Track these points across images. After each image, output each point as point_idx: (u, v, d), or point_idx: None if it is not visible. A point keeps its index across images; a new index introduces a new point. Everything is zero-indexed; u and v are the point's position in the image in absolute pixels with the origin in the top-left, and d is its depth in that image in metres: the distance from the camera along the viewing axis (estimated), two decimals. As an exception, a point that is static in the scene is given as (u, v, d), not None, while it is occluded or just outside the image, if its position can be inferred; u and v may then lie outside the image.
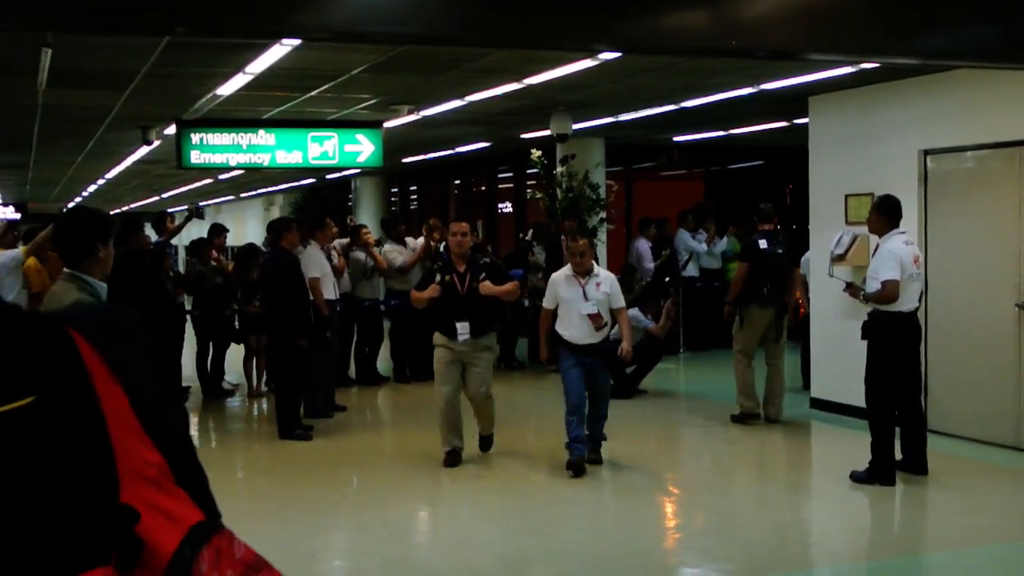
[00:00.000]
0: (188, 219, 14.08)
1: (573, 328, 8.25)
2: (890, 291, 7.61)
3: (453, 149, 17.95)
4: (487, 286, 8.43)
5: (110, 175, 22.44)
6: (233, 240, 18.75)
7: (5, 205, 28.30)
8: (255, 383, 12.59)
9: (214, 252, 13.11)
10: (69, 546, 1.14)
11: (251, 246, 13.21)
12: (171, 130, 12.26)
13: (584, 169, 14.07)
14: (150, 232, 13.74)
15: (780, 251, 10.36)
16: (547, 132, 13.18)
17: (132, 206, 37.07)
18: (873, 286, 7.70)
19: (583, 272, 8.30)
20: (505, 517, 7.53)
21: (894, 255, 7.67)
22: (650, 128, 14.80)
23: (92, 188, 27.46)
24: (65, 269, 4.81)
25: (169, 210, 19.63)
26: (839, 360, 10.24)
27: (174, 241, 14.52)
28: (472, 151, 18.12)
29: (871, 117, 10.30)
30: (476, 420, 8.88)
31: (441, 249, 11.62)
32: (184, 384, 12.41)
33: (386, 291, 13.31)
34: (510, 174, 20.12)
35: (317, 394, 10.89)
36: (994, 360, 9.07)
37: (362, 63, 9.32)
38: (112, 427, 1.19)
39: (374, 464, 9.29)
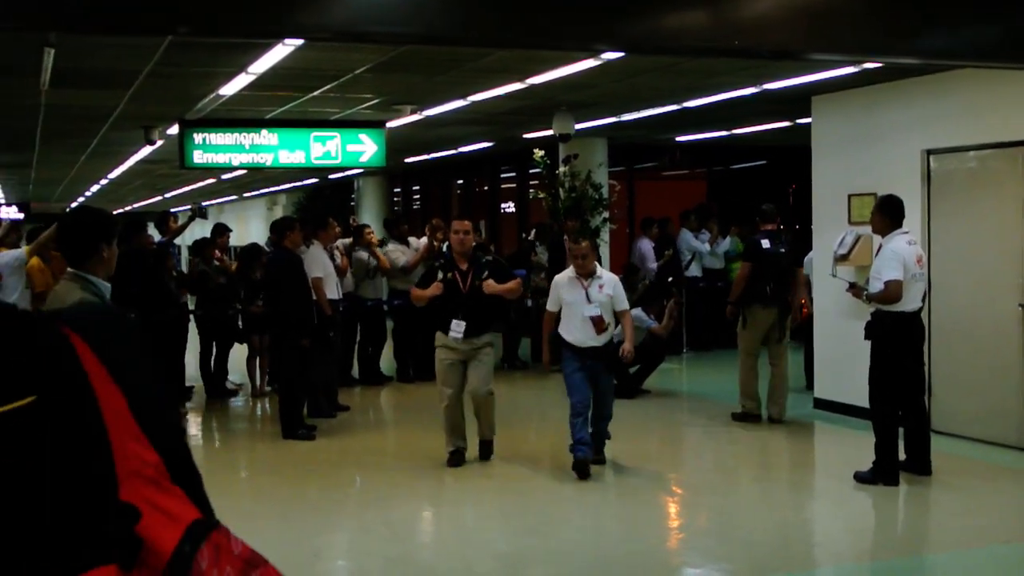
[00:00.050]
0: (191, 219, 14.08)
1: (576, 331, 8.21)
2: (893, 291, 7.60)
3: (456, 149, 17.95)
4: (490, 284, 8.41)
5: (113, 175, 22.46)
6: (236, 240, 18.74)
7: (8, 205, 28.31)
8: (258, 383, 12.60)
9: (217, 252, 13.12)
10: (70, 546, 1.14)
11: (254, 246, 13.23)
12: (174, 130, 12.28)
13: (587, 169, 14.07)
14: (153, 232, 13.76)
15: (783, 251, 10.36)
16: (550, 132, 13.18)
17: (135, 206, 37.10)
18: (876, 286, 7.70)
19: (586, 274, 8.27)
20: (507, 517, 7.53)
21: (897, 255, 7.66)
22: (652, 128, 14.79)
23: (95, 188, 27.49)
24: (69, 269, 4.82)
25: (172, 210, 19.61)
26: (842, 360, 10.24)
27: (177, 241, 14.54)
28: (475, 151, 18.12)
29: (874, 117, 10.29)
30: (477, 423, 8.79)
31: (444, 249, 11.62)
32: (188, 384, 12.43)
33: (389, 291, 13.32)
34: (513, 174, 20.11)
35: (319, 394, 10.89)
36: (997, 360, 9.07)
37: (364, 63, 9.32)
38: (110, 427, 1.20)
39: (377, 464, 9.29)
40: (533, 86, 10.62)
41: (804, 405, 11.03)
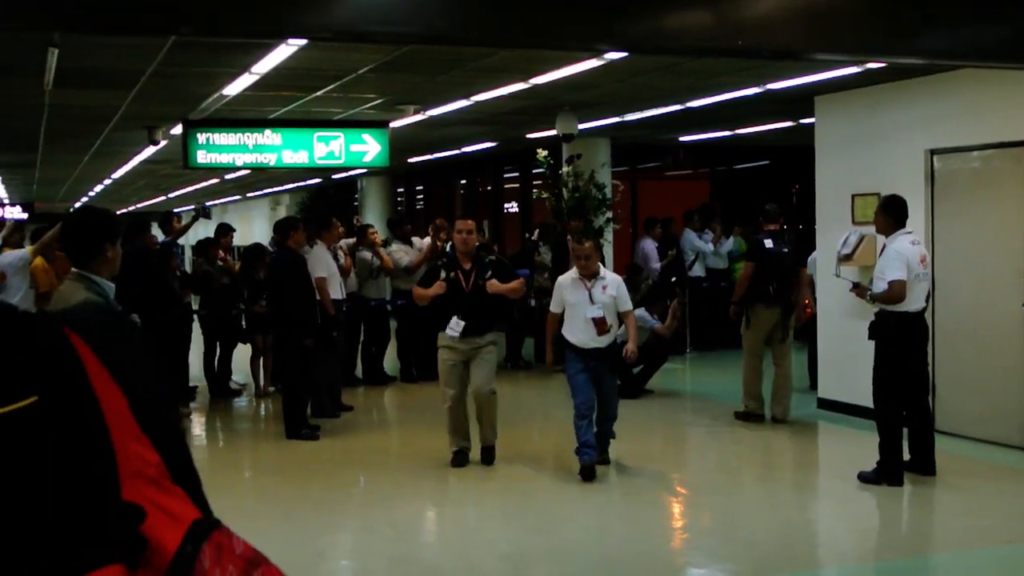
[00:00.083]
0: (195, 219, 14.09)
1: (579, 332, 8.17)
2: (896, 291, 7.59)
3: (459, 149, 17.96)
4: (494, 284, 8.39)
5: (116, 175, 22.48)
6: (239, 240, 18.78)
7: (12, 204, 28.34)
8: (262, 383, 12.61)
9: (221, 252, 13.13)
10: (74, 545, 1.14)
11: (257, 246, 13.24)
12: (177, 130, 12.29)
13: (590, 169, 14.08)
14: (157, 232, 13.77)
15: (785, 250, 10.36)
16: (553, 132, 13.18)
17: (138, 206, 37.11)
18: (880, 286, 7.69)
19: (589, 275, 8.24)
20: (511, 517, 7.53)
21: (900, 255, 7.65)
22: (656, 128, 14.80)
23: (98, 188, 27.52)
24: (73, 269, 4.82)
25: (176, 210, 19.63)
26: (846, 360, 10.23)
27: (181, 241, 14.53)
28: (478, 151, 18.13)
29: (877, 117, 10.28)
30: (479, 426, 8.71)
31: (447, 248, 11.62)
32: (191, 384, 12.44)
33: (392, 291, 13.32)
34: (516, 174, 20.12)
35: (322, 394, 10.90)
36: (1001, 360, 9.06)
37: (368, 63, 9.33)
38: (112, 427, 1.20)
39: (381, 464, 9.29)
40: (536, 86, 10.63)
41: (808, 405, 11.02)
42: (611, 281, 8.30)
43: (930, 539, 7.32)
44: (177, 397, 11.22)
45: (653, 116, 13.26)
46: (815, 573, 6.46)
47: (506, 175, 20.69)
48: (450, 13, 4.95)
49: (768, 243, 10.34)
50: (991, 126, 9.09)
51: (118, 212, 32.44)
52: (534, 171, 16.19)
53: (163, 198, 32.53)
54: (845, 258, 9.19)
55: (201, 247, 13.09)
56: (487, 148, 17.72)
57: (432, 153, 18.72)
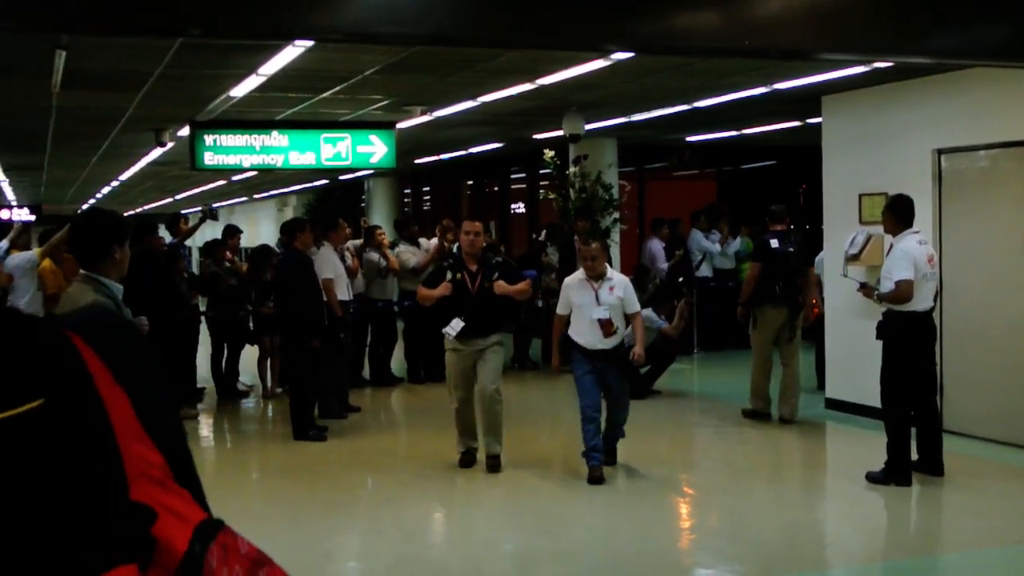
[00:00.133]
0: (202, 220, 14.11)
1: (586, 333, 8.13)
2: (903, 291, 7.58)
3: (466, 150, 17.96)
4: (501, 285, 8.37)
5: (124, 177, 22.53)
6: (247, 241, 18.80)
7: (20, 206, 28.40)
8: (269, 384, 12.62)
9: (228, 253, 13.14)
10: (84, 546, 1.15)
11: (265, 247, 13.25)
12: (185, 132, 12.30)
13: (597, 169, 14.07)
14: (164, 233, 13.79)
15: (791, 250, 10.35)
16: (560, 132, 13.18)
17: (146, 208, 37.20)
18: (887, 286, 7.68)
19: (596, 276, 8.20)
20: (518, 518, 7.53)
21: (907, 255, 7.64)
22: (663, 128, 14.79)
23: (106, 190, 27.57)
24: (81, 271, 4.84)
25: (183, 211, 19.66)
26: (854, 360, 10.22)
27: (188, 242, 14.56)
28: (485, 152, 18.13)
29: (884, 116, 10.27)
30: (483, 436, 8.53)
31: (455, 250, 11.62)
32: (199, 385, 12.45)
33: (400, 292, 13.33)
34: (523, 175, 20.13)
35: (329, 395, 10.90)
36: (1009, 360, 9.04)
37: (374, 64, 9.34)
38: (117, 429, 1.20)
39: (388, 465, 9.29)
40: (543, 86, 10.63)
41: (816, 405, 11.01)
42: (618, 282, 8.26)
43: (938, 539, 7.31)
44: (183, 398, 11.23)
45: (660, 116, 13.25)
46: (823, 573, 6.45)
47: (513, 176, 20.70)
48: (458, 14, 4.95)
49: (774, 243, 10.34)
50: (999, 126, 9.08)
51: (125, 214, 32.49)
52: (541, 172, 16.18)
53: (170, 200, 32.60)
54: (852, 258, 9.17)
55: (208, 249, 13.11)
56: (494, 149, 17.73)
57: (439, 154, 18.73)
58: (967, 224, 9.43)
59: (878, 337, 7.87)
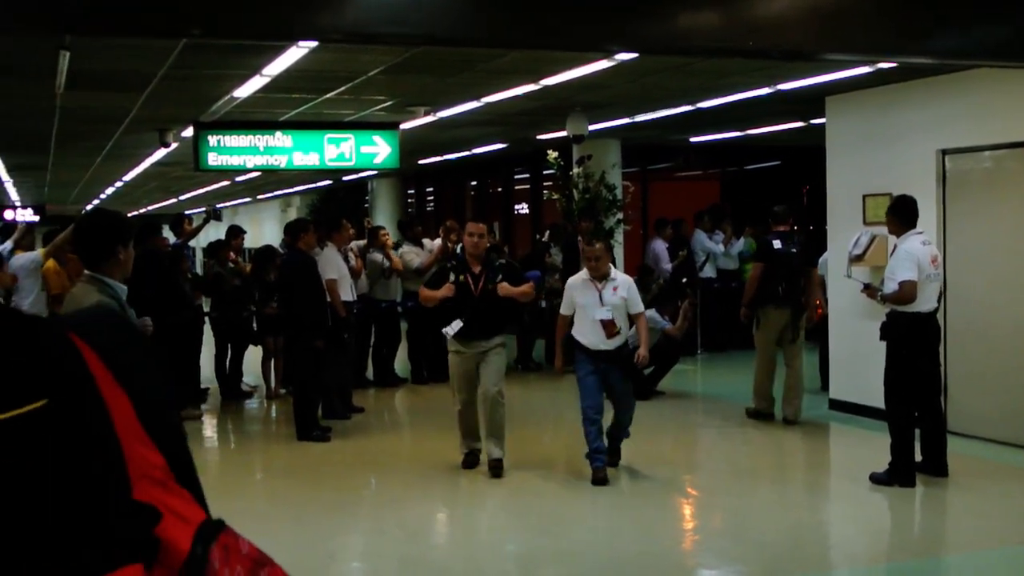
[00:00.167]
0: (206, 221, 14.12)
1: (589, 333, 8.10)
2: (907, 292, 7.57)
3: (469, 150, 17.97)
4: (505, 287, 8.35)
5: (128, 177, 22.55)
6: (250, 242, 18.80)
7: (24, 207, 28.43)
8: (273, 385, 12.63)
9: (232, 254, 13.15)
10: (88, 546, 1.15)
11: (268, 248, 13.27)
12: (188, 132, 12.32)
13: (600, 170, 14.08)
14: (168, 234, 13.81)
15: (794, 251, 10.34)
16: (563, 133, 13.18)
17: (150, 208, 37.23)
18: (890, 287, 7.67)
19: (600, 276, 8.18)
20: (521, 518, 7.53)
21: (911, 255, 7.63)
22: (666, 129, 14.78)
23: (110, 190, 27.60)
24: (85, 271, 4.84)
25: (187, 212, 19.69)
26: (857, 361, 10.21)
27: (192, 243, 14.57)
28: (488, 152, 18.14)
29: (888, 117, 10.26)
30: (485, 439, 8.46)
31: (458, 250, 11.61)
32: (203, 386, 12.46)
33: (403, 292, 13.33)
34: (526, 175, 20.12)
35: (333, 396, 10.91)
36: (1013, 360, 9.02)
37: (378, 65, 9.34)
38: (119, 429, 1.21)
39: (391, 466, 9.29)
40: (547, 87, 10.63)
41: (819, 406, 11.00)
42: (622, 282, 8.24)
43: (942, 540, 7.30)
44: (186, 399, 11.24)
45: (664, 117, 13.25)
46: (827, 574, 6.44)
47: (516, 176, 20.69)
48: (461, 14, 4.95)
49: (776, 244, 10.34)
50: (1003, 126, 9.07)
51: (129, 214, 32.51)
52: (545, 172, 16.18)
53: (174, 200, 32.63)
54: (856, 259, 9.16)
55: (212, 249, 13.12)
56: (497, 149, 17.73)
57: (442, 154, 18.73)
58: (971, 225, 9.42)
59: (882, 338, 7.86)
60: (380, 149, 11.85)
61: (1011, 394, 9.06)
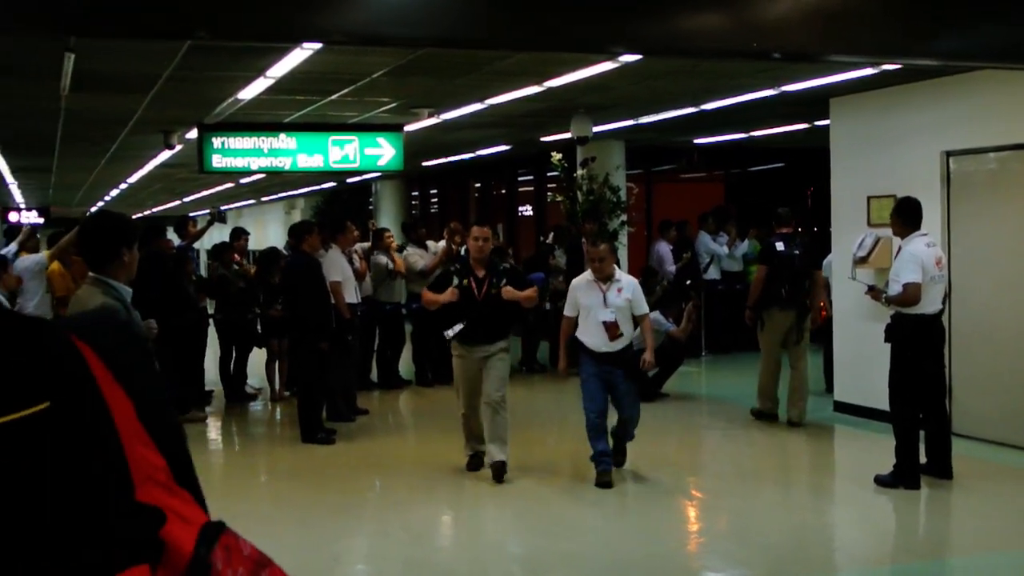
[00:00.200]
0: (210, 223, 14.14)
1: (592, 335, 8.10)
2: (911, 293, 7.57)
3: (473, 152, 17.96)
4: (509, 290, 8.33)
5: (132, 179, 22.57)
6: (254, 244, 18.85)
7: (28, 209, 28.48)
8: (277, 387, 12.63)
9: (236, 256, 13.16)
10: (87, 548, 1.15)
11: (272, 250, 13.27)
12: (193, 134, 12.32)
13: (604, 172, 14.08)
14: (172, 236, 13.82)
15: (797, 253, 10.34)
16: (567, 135, 13.18)
17: (154, 210, 37.27)
18: (895, 289, 7.67)
19: (604, 277, 8.17)
20: (525, 521, 7.53)
21: (915, 257, 7.62)
22: (670, 130, 14.78)
23: (114, 192, 27.63)
24: (90, 273, 4.84)
25: (191, 214, 19.72)
26: (862, 363, 10.20)
27: (196, 245, 14.59)
28: (492, 154, 18.13)
29: (892, 119, 10.25)
30: (488, 440, 8.39)
31: (462, 253, 11.62)
32: (207, 388, 12.46)
33: (407, 295, 13.33)
34: (530, 177, 20.12)
35: (337, 398, 10.91)
36: (1018, 362, 9.01)
37: (382, 67, 9.34)
38: (121, 431, 1.21)
39: (396, 468, 9.28)
40: (551, 89, 10.63)
41: (824, 408, 10.98)
42: (626, 284, 8.22)
43: (947, 543, 7.28)
44: (191, 401, 11.24)
45: (667, 118, 13.24)
46: (831, 577, 6.43)
47: (520, 178, 20.69)
48: (464, 16, 4.95)
49: (780, 246, 10.34)
50: (1007, 128, 9.05)
51: (134, 216, 32.56)
52: (548, 174, 16.19)
53: (178, 202, 32.67)
54: (861, 260, 9.16)
55: (216, 251, 13.13)
56: (501, 151, 17.73)
57: (446, 156, 18.73)
58: (976, 226, 9.41)
59: (886, 340, 7.86)
60: (384, 151, 11.85)
61: (1016, 396, 9.04)
